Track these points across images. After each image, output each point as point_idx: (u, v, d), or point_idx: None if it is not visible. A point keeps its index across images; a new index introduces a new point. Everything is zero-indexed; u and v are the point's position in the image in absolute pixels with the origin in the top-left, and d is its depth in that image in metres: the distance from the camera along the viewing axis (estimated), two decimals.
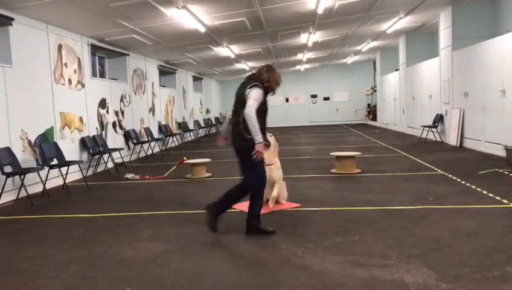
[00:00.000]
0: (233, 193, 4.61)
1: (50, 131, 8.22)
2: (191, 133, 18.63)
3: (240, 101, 4.42)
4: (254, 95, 4.34)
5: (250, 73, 4.75)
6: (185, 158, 8.96)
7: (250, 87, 4.38)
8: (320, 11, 9.90)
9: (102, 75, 11.70)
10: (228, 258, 3.83)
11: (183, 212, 5.62)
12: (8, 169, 6.61)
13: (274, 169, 5.60)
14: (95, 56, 11.05)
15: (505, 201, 5.38)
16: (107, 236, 4.72)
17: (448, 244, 3.90)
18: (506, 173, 7.27)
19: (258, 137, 4.25)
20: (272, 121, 28.84)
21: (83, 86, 9.63)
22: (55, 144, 8.04)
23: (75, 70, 9.28)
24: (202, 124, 20.98)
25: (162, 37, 10.88)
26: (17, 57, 7.32)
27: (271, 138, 5.56)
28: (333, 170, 8.18)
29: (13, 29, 7.24)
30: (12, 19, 7.14)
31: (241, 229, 4.61)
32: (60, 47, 8.67)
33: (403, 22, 13.02)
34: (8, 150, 6.82)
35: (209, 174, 8.50)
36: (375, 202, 5.63)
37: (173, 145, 15.69)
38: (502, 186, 6.24)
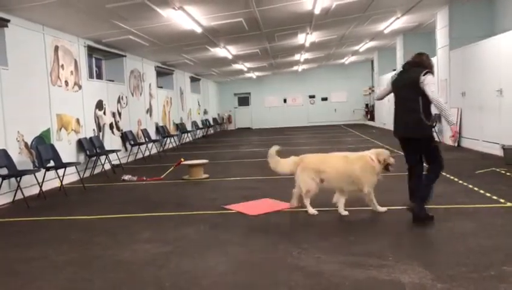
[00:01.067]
0: (426, 181, 4.62)
1: (47, 133, 8.20)
2: (189, 134, 18.61)
3: (413, 89, 4.47)
4: (431, 81, 4.48)
5: (410, 60, 4.80)
6: (182, 159, 8.95)
7: (424, 75, 4.44)
8: (317, 11, 9.90)
9: (99, 77, 11.68)
10: (225, 259, 3.83)
11: (181, 214, 5.61)
12: (4, 171, 6.59)
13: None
14: (91, 57, 11.03)
15: (502, 200, 5.38)
16: (104, 238, 4.71)
17: (445, 244, 3.90)
18: (503, 172, 7.27)
19: (452, 118, 4.47)
20: (269, 122, 28.89)
21: (80, 87, 9.61)
22: (52, 146, 8.02)
23: (71, 72, 9.26)
24: (200, 125, 20.96)
25: (159, 38, 10.87)
26: (13, 58, 7.30)
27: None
28: None
29: (9, 31, 7.22)
30: (8, 21, 7.13)
31: (238, 231, 4.61)
32: (56, 48, 8.65)
33: (400, 21, 13.03)
34: (4, 152, 6.79)
35: (206, 176, 8.49)
36: None
37: (171, 146, 15.68)
38: (499, 186, 6.25)
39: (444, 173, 7.40)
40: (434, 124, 4.83)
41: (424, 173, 4.68)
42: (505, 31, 9.24)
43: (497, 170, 7.48)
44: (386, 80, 19.91)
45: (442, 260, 3.53)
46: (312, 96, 26.59)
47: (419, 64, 4.65)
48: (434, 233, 4.24)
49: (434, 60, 12.98)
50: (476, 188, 6.14)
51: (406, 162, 4.87)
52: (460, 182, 6.67)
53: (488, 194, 5.75)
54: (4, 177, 6.51)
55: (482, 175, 7.13)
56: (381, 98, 5.26)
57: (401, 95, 4.72)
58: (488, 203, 5.35)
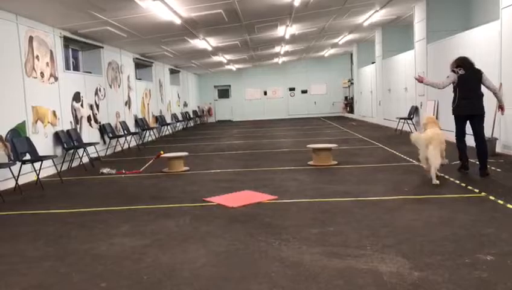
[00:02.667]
0: (483, 149, 6.61)
1: (22, 125, 8.01)
2: (169, 126, 18.46)
3: (478, 82, 6.55)
4: (486, 76, 6.60)
5: (470, 62, 6.81)
6: (161, 152, 8.87)
7: (482, 72, 6.60)
8: (296, 3, 9.91)
9: (76, 68, 11.45)
10: (205, 252, 3.82)
11: (160, 207, 5.58)
12: None
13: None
14: (68, 49, 10.79)
15: (477, 190, 5.52)
16: (81, 232, 4.65)
17: (422, 234, 3.98)
18: (477, 163, 7.42)
19: (503, 99, 6.91)
20: (250, 114, 28.88)
21: (56, 79, 9.40)
22: (28, 139, 7.85)
23: (47, 63, 9.06)
24: (180, 118, 20.81)
25: (137, 29, 10.71)
26: None
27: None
28: (310, 162, 8.24)
29: None
30: None
31: (218, 223, 4.60)
32: (31, 39, 8.44)
33: (378, 14, 13.15)
34: None
35: (186, 168, 8.44)
36: (351, 193, 5.70)
37: (150, 139, 15.53)
38: (473, 176, 6.40)
39: (421, 164, 7.55)
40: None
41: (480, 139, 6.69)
42: (480, 25, 9.42)
43: (472, 160, 7.64)
44: (364, 72, 20.12)
45: (418, 249, 3.59)
46: (292, 89, 26.67)
47: (473, 65, 6.80)
48: (410, 223, 4.31)
49: (412, 52, 13.21)
50: (451, 179, 6.28)
51: (457, 135, 7.08)
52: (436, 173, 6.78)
53: (463, 184, 5.88)
54: None
55: (457, 166, 7.27)
56: (444, 88, 7.11)
57: (471, 86, 6.61)
58: (463, 193, 5.47)
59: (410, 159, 8.17)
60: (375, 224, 4.34)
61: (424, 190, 5.73)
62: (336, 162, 8.12)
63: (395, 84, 15.53)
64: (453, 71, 6.77)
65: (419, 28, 12.39)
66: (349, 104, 24.56)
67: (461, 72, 6.68)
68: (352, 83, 23.85)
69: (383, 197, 5.45)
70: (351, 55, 23.73)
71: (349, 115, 23.74)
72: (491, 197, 5.13)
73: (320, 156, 8.10)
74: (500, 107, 6.85)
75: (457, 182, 6.07)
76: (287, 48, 18.46)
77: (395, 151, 9.33)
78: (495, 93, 6.63)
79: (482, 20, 10.47)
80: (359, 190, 5.94)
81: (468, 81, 6.59)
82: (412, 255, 3.45)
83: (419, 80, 7.26)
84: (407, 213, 4.69)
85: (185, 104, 22.84)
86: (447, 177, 6.42)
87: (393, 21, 15.12)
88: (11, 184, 7.19)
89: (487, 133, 8.31)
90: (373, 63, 18.50)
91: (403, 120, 13.28)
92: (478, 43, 9.18)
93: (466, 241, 3.73)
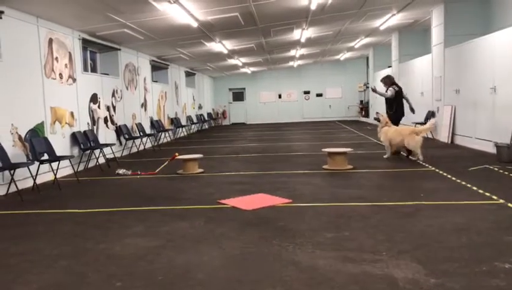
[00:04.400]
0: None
1: (40, 126, 8.15)
2: (184, 128, 18.57)
3: (402, 96, 9.85)
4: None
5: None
6: (176, 154, 8.93)
7: (401, 88, 9.89)
8: (313, 7, 9.89)
9: (93, 70, 11.61)
10: (219, 254, 3.83)
11: (174, 208, 5.61)
12: None
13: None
14: (86, 50, 10.96)
15: (494, 197, 5.42)
16: (97, 231, 4.70)
17: (438, 240, 3.92)
18: (496, 169, 7.33)
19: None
20: (264, 117, 28.91)
21: (74, 80, 9.55)
22: (46, 139, 7.98)
23: (66, 65, 9.20)
24: (195, 120, 20.92)
25: (154, 32, 10.81)
26: (6, 50, 7.23)
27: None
28: (325, 166, 8.20)
29: (3, 22, 7.15)
30: (2, 12, 7.05)
31: (233, 226, 4.61)
32: (50, 41, 8.59)
33: (395, 18, 13.05)
34: None
35: (201, 170, 8.48)
36: (366, 198, 5.66)
37: (165, 140, 15.64)
38: (492, 183, 6.29)
39: (437, 170, 7.46)
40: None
41: None
42: (500, 29, 9.28)
43: (490, 167, 7.54)
44: (380, 76, 19.95)
45: (434, 255, 3.55)
46: (307, 92, 26.60)
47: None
48: (427, 229, 4.26)
49: (429, 57, 13.07)
50: (468, 185, 6.18)
51: None
52: (453, 178, 6.71)
53: (480, 191, 5.79)
54: None
55: (475, 172, 7.18)
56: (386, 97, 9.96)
57: (401, 98, 9.82)
58: (481, 199, 5.39)
59: (426, 165, 8.08)
60: (391, 229, 4.30)
61: (440, 196, 5.65)
62: (351, 167, 8.07)
63: (411, 88, 15.36)
64: (392, 87, 9.71)
65: (437, 32, 12.26)
66: (364, 108, 24.40)
67: (396, 88, 9.71)
68: (367, 87, 23.69)
69: (399, 202, 5.40)
70: (367, 58, 23.59)
71: (365, 119, 23.57)
72: (510, 205, 5.04)
73: (335, 160, 8.06)
74: (412, 110, 9.98)
75: (475, 188, 5.97)
76: (303, 51, 18.44)
77: (411, 157, 9.23)
78: (408, 102, 9.97)
79: (503, 24, 10.32)
80: (374, 194, 5.89)
81: (400, 95, 9.73)
82: (428, 262, 3.40)
83: (373, 90, 9.99)
84: (423, 219, 4.63)
85: (200, 107, 22.96)
86: (464, 183, 6.33)
87: (411, 25, 14.99)
88: (29, 183, 7.31)
89: (507, 139, 8.22)
90: (389, 67, 18.35)
91: (419, 125, 13.12)
92: (498, 48, 9.04)
93: (484, 248, 3.67)
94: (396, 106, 9.67)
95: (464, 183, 6.34)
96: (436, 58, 12.43)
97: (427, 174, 7.22)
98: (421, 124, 12.99)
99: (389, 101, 9.77)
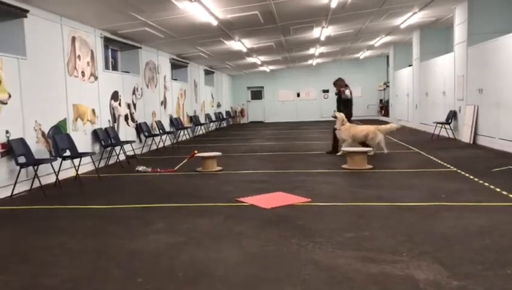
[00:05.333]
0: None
1: (63, 123, 8.30)
2: (202, 126, 18.68)
3: None
4: None
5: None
6: (195, 152, 8.99)
7: None
8: (333, 5, 9.82)
9: (114, 68, 11.77)
10: (238, 251, 3.85)
11: (194, 205, 5.65)
12: (22, 160, 6.70)
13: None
14: (107, 49, 11.11)
15: None
16: (118, 227, 4.77)
17: (460, 242, 3.86)
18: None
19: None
20: (282, 116, 28.88)
21: (96, 78, 9.69)
22: (68, 136, 8.13)
23: (88, 63, 9.35)
24: (213, 118, 21.01)
25: (174, 30, 10.90)
26: (31, 49, 7.38)
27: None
28: (344, 166, 8.15)
29: (28, 21, 7.30)
30: (27, 11, 7.21)
31: (251, 223, 4.62)
32: (73, 39, 8.73)
33: (417, 16, 12.86)
34: (22, 141, 6.90)
35: (219, 168, 8.52)
36: (386, 198, 5.60)
37: (184, 138, 15.76)
38: None
39: (459, 171, 7.35)
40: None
41: None
42: None
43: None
44: (401, 75, 19.74)
45: (457, 257, 3.50)
46: (326, 91, 26.42)
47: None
48: (449, 230, 4.20)
49: (451, 55, 12.85)
50: (492, 186, 6.06)
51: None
52: (476, 179, 6.59)
53: (504, 193, 5.67)
54: (22, 165, 6.63)
55: (499, 173, 7.03)
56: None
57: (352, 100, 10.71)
58: (504, 201, 5.28)
59: (448, 165, 7.95)
60: (411, 230, 4.25)
61: (462, 197, 5.56)
62: (371, 166, 8.00)
63: (432, 87, 15.16)
64: (346, 88, 10.63)
65: (459, 30, 12.04)
66: (384, 107, 24.12)
67: (349, 89, 10.72)
68: (387, 86, 23.42)
69: (419, 203, 5.33)
70: (387, 57, 23.31)
71: (385, 118, 23.31)
72: None
73: (354, 160, 8.00)
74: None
75: (498, 190, 5.85)
76: (322, 49, 18.33)
77: (431, 157, 9.11)
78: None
79: None
80: (395, 194, 5.83)
81: (352, 97, 10.78)
82: (450, 264, 3.36)
83: (334, 117, 10.33)
84: (445, 220, 4.56)
85: (219, 105, 23.05)
86: (486, 184, 6.21)
87: (433, 23, 14.76)
88: (51, 179, 7.46)
89: None
90: (410, 65, 18.11)
91: (440, 125, 12.94)
92: None
93: (508, 251, 3.60)
94: (350, 105, 10.65)
95: (486, 184, 6.22)
96: (459, 57, 12.21)
97: (448, 175, 7.11)
98: (443, 124, 12.82)
99: (344, 101, 10.58)
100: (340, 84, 10.95)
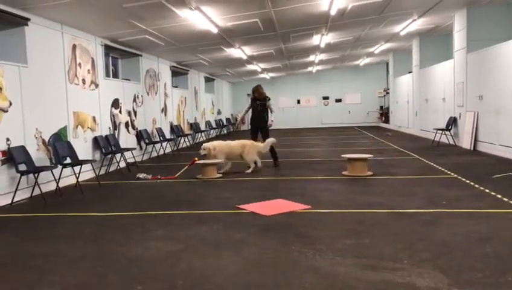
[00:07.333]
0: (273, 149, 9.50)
1: (64, 130, 8.31)
2: (203, 133, 18.69)
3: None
4: None
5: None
6: (196, 159, 8.99)
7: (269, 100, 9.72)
8: (333, 12, 9.87)
9: (115, 76, 11.80)
10: (238, 259, 3.83)
11: (194, 212, 5.64)
12: (22, 167, 6.71)
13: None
14: (108, 56, 11.15)
15: None
16: (118, 234, 4.76)
17: (461, 249, 3.85)
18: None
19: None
20: (282, 123, 28.88)
21: (97, 86, 9.72)
22: (69, 143, 8.13)
23: (88, 71, 9.38)
24: (214, 125, 21.03)
25: (175, 38, 10.94)
26: (32, 56, 7.42)
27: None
28: (345, 172, 8.14)
29: (29, 30, 7.34)
30: (28, 19, 7.25)
31: (251, 231, 4.61)
32: (74, 47, 8.77)
33: (416, 24, 12.91)
34: (22, 148, 6.91)
35: (219, 175, 8.51)
36: (387, 205, 5.59)
37: (185, 145, 15.77)
38: None
39: (459, 177, 7.35)
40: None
41: None
42: None
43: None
44: (401, 82, 19.78)
45: (457, 264, 3.48)
46: (326, 98, 26.48)
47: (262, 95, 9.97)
48: (449, 237, 4.19)
49: (450, 62, 12.89)
50: (492, 193, 6.05)
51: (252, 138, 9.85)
52: (476, 186, 6.58)
53: (505, 199, 5.66)
54: (23, 173, 6.63)
55: (499, 180, 7.03)
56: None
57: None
58: (505, 208, 5.27)
59: (448, 172, 7.95)
60: (412, 237, 4.24)
61: (463, 204, 5.55)
62: (371, 173, 8.00)
63: (432, 94, 15.18)
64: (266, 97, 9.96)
65: (459, 37, 12.08)
66: (384, 113, 24.15)
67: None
68: (387, 93, 23.47)
69: (420, 209, 5.32)
70: (387, 64, 23.38)
71: (385, 125, 23.33)
72: None
73: (355, 166, 8.00)
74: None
75: (499, 196, 5.84)
76: (322, 56, 18.39)
77: (432, 163, 9.10)
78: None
79: None
80: (395, 201, 5.82)
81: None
82: (450, 271, 3.34)
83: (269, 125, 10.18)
84: (445, 227, 4.55)
85: (219, 112, 23.08)
86: (487, 191, 6.20)
87: (432, 30, 14.82)
88: (52, 186, 7.45)
89: None
90: (410, 72, 18.16)
91: (440, 131, 12.95)
92: None
93: (509, 258, 3.59)
94: (268, 115, 10.17)
95: (487, 191, 6.21)
96: (458, 64, 12.24)
97: (449, 182, 7.10)
98: (443, 130, 12.83)
99: (263, 112, 10.11)
100: (261, 92, 10.27)
